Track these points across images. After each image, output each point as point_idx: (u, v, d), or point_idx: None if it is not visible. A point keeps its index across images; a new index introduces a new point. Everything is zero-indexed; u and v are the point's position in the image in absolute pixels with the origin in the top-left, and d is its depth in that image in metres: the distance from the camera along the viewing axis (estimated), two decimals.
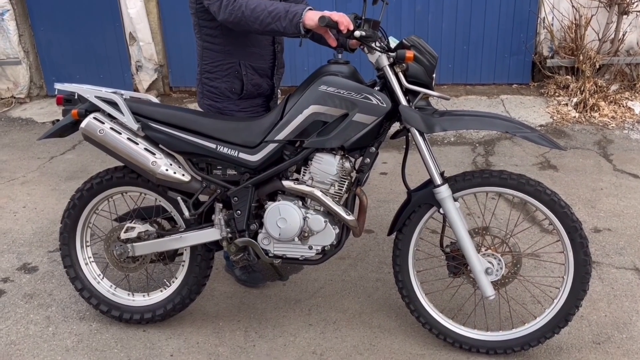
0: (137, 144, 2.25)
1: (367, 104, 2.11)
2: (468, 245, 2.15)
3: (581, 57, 5.00)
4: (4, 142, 4.89)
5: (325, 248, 2.27)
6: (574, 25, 5.14)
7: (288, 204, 2.21)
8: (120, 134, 2.24)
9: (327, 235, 2.23)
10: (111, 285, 2.54)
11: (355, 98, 2.11)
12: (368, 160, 2.25)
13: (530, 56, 5.45)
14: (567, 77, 5.24)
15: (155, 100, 2.48)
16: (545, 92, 5.27)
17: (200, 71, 2.45)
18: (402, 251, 2.28)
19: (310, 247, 2.26)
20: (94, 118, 2.26)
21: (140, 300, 2.51)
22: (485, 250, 2.22)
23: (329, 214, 2.24)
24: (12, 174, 4.22)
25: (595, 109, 4.87)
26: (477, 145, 4.41)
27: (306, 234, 2.22)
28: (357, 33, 2.02)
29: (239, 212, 2.26)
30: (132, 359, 2.32)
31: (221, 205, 2.30)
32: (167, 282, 2.51)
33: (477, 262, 2.15)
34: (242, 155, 2.23)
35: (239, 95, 2.42)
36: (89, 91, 2.30)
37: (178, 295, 2.44)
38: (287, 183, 2.22)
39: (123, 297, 2.52)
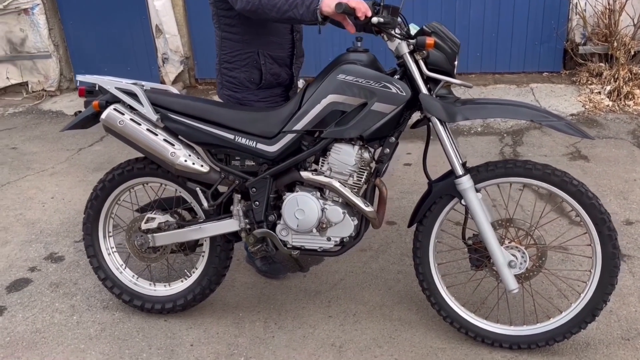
0: (157, 134, 2.25)
1: (386, 93, 2.06)
2: (490, 238, 2.09)
3: (615, 44, 4.83)
4: (35, 135, 5.00)
5: (344, 239, 2.24)
6: (607, 11, 4.96)
7: (306, 195, 2.19)
8: (139, 125, 2.25)
9: (346, 226, 2.20)
10: (133, 275, 2.56)
11: (373, 87, 2.07)
12: (388, 150, 2.20)
13: (561, 43, 5.29)
14: (600, 64, 5.07)
15: (175, 91, 2.48)
16: (577, 80, 5.11)
17: (219, 61, 2.43)
18: (422, 243, 2.24)
19: (329, 239, 2.23)
20: (114, 109, 2.27)
21: (161, 290, 2.53)
22: (509, 242, 2.16)
23: (348, 205, 2.21)
24: (42, 165, 4.30)
25: (630, 97, 4.70)
26: (504, 135, 4.31)
27: (324, 225, 2.19)
28: (374, 19, 1.97)
29: (257, 203, 2.25)
30: (153, 348, 2.34)
31: (239, 196, 2.29)
32: (187, 273, 2.51)
33: (500, 254, 2.09)
34: (260, 146, 2.21)
35: (257, 85, 2.40)
36: (109, 82, 2.31)
37: (198, 285, 2.44)
38: (305, 174, 2.20)
39: (145, 287, 2.54)
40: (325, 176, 2.18)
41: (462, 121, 2.14)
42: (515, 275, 2.13)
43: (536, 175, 2.09)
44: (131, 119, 2.25)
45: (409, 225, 2.28)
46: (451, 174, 2.16)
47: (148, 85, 2.45)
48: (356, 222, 2.21)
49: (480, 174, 2.13)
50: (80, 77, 2.39)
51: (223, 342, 2.35)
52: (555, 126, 2.04)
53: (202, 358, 2.27)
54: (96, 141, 4.69)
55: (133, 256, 2.50)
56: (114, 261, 2.55)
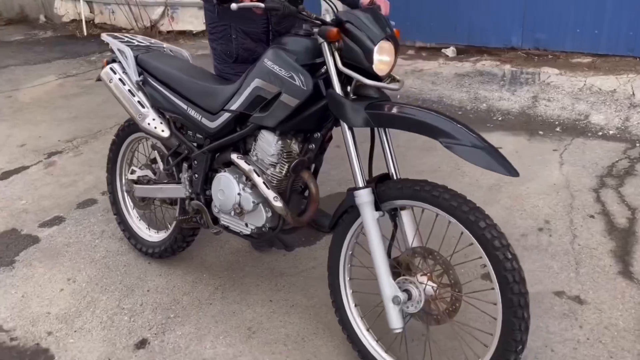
0: (134, 96, 2.45)
1: (291, 84, 1.89)
2: (379, 264, 1.82)
3: None
4: None
5: (262, 228, 2.17)
6: None
7: (228, 177, 2.16)
8: (124, 85, 2.47)
9: (258, 216, 2.13)
10: (138, 217, 2.88)
11: (283, 76, 1.91)
12: (313, 146, 2.04)
13: None
14: None
15: (185, 55, 2.63)
16: None
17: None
18: (333, 251, 2.04)
19: (247, 225, 2.19)
20: (110, 68, 2.52)
21: (152, 236, 2.80)
22: (417, 275, 1.84)
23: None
24: None
25: None
26: (638, 144, 3.42)
27: (238, 211, 2.15)
28: (262, 4, 1.81)
29: (196, 175, 2.31)
30: (122, 283, 2.63)
31: (187, 165, 2.38)
32: (169, 225, 2.73)
33: (387, 286, 1.81)
34: (204, 121, 2.23)
35: (233, 59, 2.39)
36: (113, 42, 2.56)
37: (169, 240, 2.63)
38: (234, 156, 2.17)
39: (142, 230, 2.83)
40: (246, 162, 2.12)
41: (363, 127, 1.84)
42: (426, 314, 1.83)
43: (442, 206, 1.72)
44: (120, 79, 2.48)
45: (329, 229, 2.09)
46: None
47: (169, 47, 2.65)
48: (270, 214, 2.12)
49: (390, 190, 1.84)
50: (104, 36, 2.70)
51: (171, 296, 2.53)
52: (463, 154, 1.64)
53: (145, 304, 2.49)
54: None
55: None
56: (126, 201, 2.90)
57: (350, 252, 2.03)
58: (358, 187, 1.84)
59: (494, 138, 3.75)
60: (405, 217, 1.90)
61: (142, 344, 2.26)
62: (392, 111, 1.77)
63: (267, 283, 2.55)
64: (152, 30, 7.02)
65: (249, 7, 1.84)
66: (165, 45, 2.69)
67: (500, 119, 4.05)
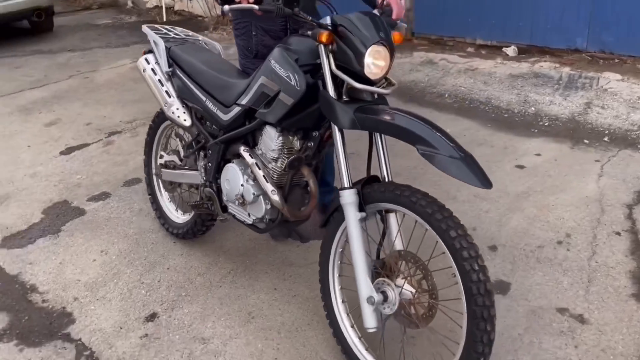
0: (163, 85, 2.61)
1: (288, 84, 1.96)
2: (358, 264, 1.86)
3: None
4: None
5: (263, 220, 2.26)
6: None
7: (235, 168, 2.27)
8: (155, 75, 2.64)
9: (258, 208, 2.22)
10: (169, 198, 3.06)
11: (282, 75, 1.98)
12: (311, 144, 2.10)
13: None
14: None
15: (217, 48, 2.76)
16: None
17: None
18: (325, 247, 2.10)
19: (249, 215, 2.29)
20: (145, 58, 2.70)
21: (179, 217, 2.97)
22: (398, 279, 1.86)
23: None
24: None
25: None
26: None
27: (241, 201, 2.25)
28: (257, 7, 1.87)
29: (209, 164, 2.43)
30: (147, 259, 2.82)
31: (203, 154, 2.51)
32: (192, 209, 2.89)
33: (363, 286, 1.85)
34: (218, 112, 2.35)
35: (253, 55, 2.49)
36: (150, 34, 2.73)
37: (191, 222, 2.80)
38: (241, 148, 2.27)
39: (171, 211, 3.02)
40: (251, 155, 2.21)
41: (349, 129, 1.86)
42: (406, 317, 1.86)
43: (418, 212, 1.74)
44: (152, 69, 2.65)
45: (321, 226, 2.15)
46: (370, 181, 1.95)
47: (204, 40, 2.80)
48: (269, 206, 2.21)
49: (374, 193, 1.87)
50: (145, 28, 2.88)
51: (186, 275, 2.69)
52: (439, 164, 1.64)
53: (162, 280, 2.66)
54: None
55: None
56: (159, 183, 3.09)
57: (341, 250, 2.08)
58: (343, 187, 1.89)
59: (535, 144, 3.63)
60: (392, 220, 1.92)
61: (152, 317, 2.44)
62: (378, 115, 1.79)
63: (276, 272, 2.65)
64: (223, 18, 7.26)
65: (242, 8, 1.92)
66: (200, 38, 2.83)
67: (546, 124, 3.90)
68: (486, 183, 1.62)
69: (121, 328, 2.39)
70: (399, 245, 1.92)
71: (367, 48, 1.80)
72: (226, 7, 1.91)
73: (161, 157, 2.82)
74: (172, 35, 2.74)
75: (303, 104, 1.98)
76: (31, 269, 2.83)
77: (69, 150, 4.18)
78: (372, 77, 1.84)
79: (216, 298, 2.51)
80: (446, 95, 4.47)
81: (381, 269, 1.92)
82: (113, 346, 2.30)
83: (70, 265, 2.83)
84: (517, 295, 2.36)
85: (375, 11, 2.07)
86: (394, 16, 2.13)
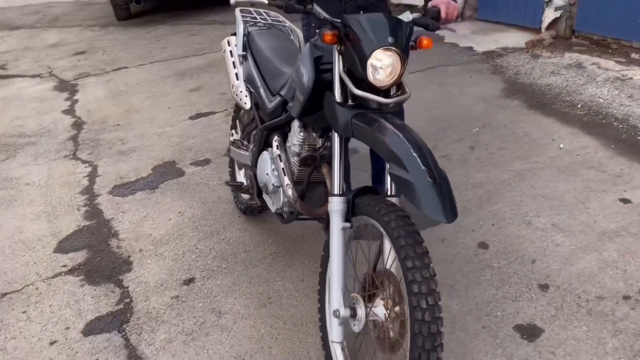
0: (235, 68, 2.72)
1: (300, 80, 1.93)
2: (333, 274, 1.79)
3: None
4: None
5: (283, 211, 2.27)
6: None
7: (266, 157, 2.31)
8: (232, 57, 2.76)
9: (278, 198, 2.24)
10: (243, 174, 3.22)
11: (300, 71, 1.95)
12: (329, 143, 2.05)
13: None
14: None
15: (300, 36, 2.80)
16: None
17: None
18: (325, 251, 2.05)
19: (273, 204, 2.32)
20: (227, 40, 2.84)
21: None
22: (377, 298, 1.76)
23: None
24: None
25: None
26: None
27: (265, 190, 2.29)
28: None
29: (254, 149, 2.50)
30: (211, 227, 3.03)
31: (252, 138, 2.58)
32: None
33: (333, 298, 1.79)
34: (266, 100, 2.40)
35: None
36: (237, 16, 2.85)
37: (249, 201, 2.92)
38: (275, 138, 2.29)
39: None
40: (278, 146, 2.23)
41: (343, 135, 1.75)
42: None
43: (387, 232, 1.62)
44: (230, 51, 2.78)
45: (324, 229, 2.09)
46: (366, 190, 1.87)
47: (289, 27, 2.87)
48: (287, 199, 2.21)
49: (361, 205, 1.77)
50: (237, 12, 3.00)
51: (234, 249, 2.81)
52: (402, 188, 1.51)
53: (212, 249, 2.82)
54: None
55: None
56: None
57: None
58: (333, 194, 1.83)
59: None
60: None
61: (189, 281, 2.63)
62: (370, 125, 1.70)
63: (311, 263, 2.66)
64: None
65: (251, 2, 1.92)
66: (288, 24, 2.89)
67: None
68: (449, 215, 1.46)
69: (161, 285, 2.62)
70: (389, 263, 1.81)
71: (370, 52, 1.69)
72: (233, 0, 1.93)
73: (232, 135, 2.97)
74: (260, 19, 2.83)
75: (320, 102, 1.94)
76: (121, 217, 3.21)
77: (197, 116, 4.58)
78: (377, 84, 1.73)
79: (248, 276, 2.62)
80: (579, 106, 3.95)
81: (365, 284, 1.83)
82: (148, 300, 2.54)
83: (150, 220, 3.15)
84: (545, 346, 2.07)
85: (415, 15, 1.93)
86: (442, 14, 1.96)
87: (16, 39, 8.13)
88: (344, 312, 1.76)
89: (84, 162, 3.97)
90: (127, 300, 2.55)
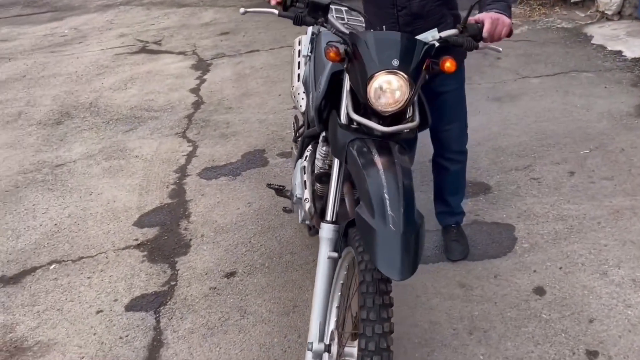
0: (299, 68, 2.67)
1: (317, 92, 1.82)
2: (315, 304, 1.70)
3: None
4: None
5: (305, 222, 2.19)
6: None
7: (298, 165, 2.24)
8: (298, 56, 2.71)
9: (300, 210, 2.16)
10: None
11: (321, 82, 1.85)
12: None
13: None
14: None
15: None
16: None
17: None
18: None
19: (298, 214, 2.24)
20: (299, 39, 2.78)
21: None
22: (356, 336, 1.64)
23: None
24: None
25: None
26: None
27: (292, 199, 2.22)
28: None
29: (296, 154, 2.44)
30: (271, 223, 3.04)
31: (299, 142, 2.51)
32: None
33: (312, 328, 1.69)
34: (310, 107, 2.32)
35: None
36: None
37: None
38: (308, 148, 2.21)
39: None
40: (307, 158, 2.15)
41: (337, 158, 1.60)
42: None
43: (360, 268, 1.48)
44: (299, 51, 2.73)
45: None
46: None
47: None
48: (305, 212, 2.12)
49: (352, 235, 1.64)
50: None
51: (282, 249, 2.81)
52: (361, 232, 1.35)
53: (263, 246, 2.85)
54: None
55: None
56: None
57: (341, 282, 1.91)
58: (325, 220, 1.72)
59: None
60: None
61: (231, 274, 2.69)
62: (360, 154, 1.56)
63: None
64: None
65: (260, 12, 1.83)
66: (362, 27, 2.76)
67: None
68: (402, 271, 1.29)
69: (206, 274, 2.72)
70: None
71: (372, 75, 1.55)
72: (242, 9, 1.86)
73: (295, 132, 2.94)
74: (337, 17, 2.74)
75: None
76: (199, 200, 3.38)
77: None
78: (379, 108, 1.58)
79: (284, 280, 2.60)
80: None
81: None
82: (190, 286, 2.65)
83: (221, 207, 3.27)
84: None
85: (450, 32, 1.71)
86: (485, 35, 1.72)
87: (178, 16, 8.86)
88: (317, 347, 1.67)
89: (189, 141, 4.23)
90: (173, 283, 2.68)
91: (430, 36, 1.66)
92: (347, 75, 1.67)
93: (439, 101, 2.29)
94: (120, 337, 2.37)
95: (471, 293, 2.36)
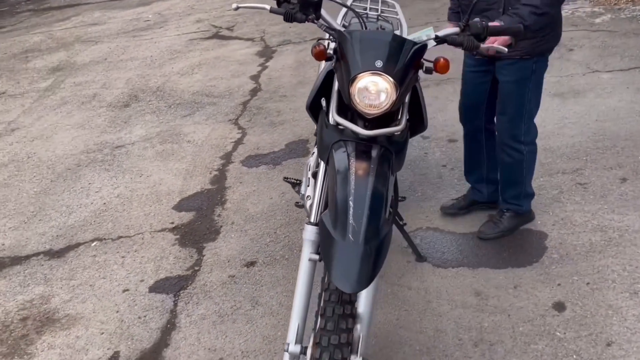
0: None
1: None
2: (294, 306, 1.68)
3: None
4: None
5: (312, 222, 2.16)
6: None
7: (307, 162, 2.20)
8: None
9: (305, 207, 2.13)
10: None
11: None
12: None
13: None
14: None
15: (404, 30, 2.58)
16: None
17: None
18: None
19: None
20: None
21: None
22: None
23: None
24: None
25: None
26: None
27: (300, 195, 2.19)
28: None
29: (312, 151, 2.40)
30: (298, 216, 3.06)
31: None
32: None
33: (290, 330, 1.67)
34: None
35: None
36: (341, 13, 2.71)
37: None
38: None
39: None
40: (312, 154, 2.11)
41: (321, 160, 1.54)
42: None
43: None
44: (328, 44, 2.68)
45: None
46: None
47: (395, 20, 2.69)
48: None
49: None
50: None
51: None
52: (322, 245, 1.32)
53: (288, 237, 2.85)
54: None
55: None
56: None
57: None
58: (309, 222, 1.69)
59: None
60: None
61: (251, 264, 2.73)
62: (338, 157, 1.52)
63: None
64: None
65: (252, 8, 1.78)
66: (399, 16, 2.67)
67: None
68: (351, 283, 1.25)
69: (228, 261, 2.77)
70: None
71: (355, 76, 1.49)
72: (234, 4, 1.83)
73: None
74: (372, 7, 2.67)
75: None
76: (236, 187, 3.44)
77: None
78: (363, 110, 1.52)
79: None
80: None
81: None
82: (211, 273, 2.71)
83: (255, 195, 3.32)
84: None
85: (450, 31, 1.61)
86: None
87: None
88: (293, 348, 1.65)
89: (239, 128, 4.30)
90: (197, 269, 2.76)
91: (425, 35, 1.57)
92: (335, 74, 1.63)
93: (497, 88, 2.34)
94: (139, 317, 2.48)
95: (485, 302, 2.24)
